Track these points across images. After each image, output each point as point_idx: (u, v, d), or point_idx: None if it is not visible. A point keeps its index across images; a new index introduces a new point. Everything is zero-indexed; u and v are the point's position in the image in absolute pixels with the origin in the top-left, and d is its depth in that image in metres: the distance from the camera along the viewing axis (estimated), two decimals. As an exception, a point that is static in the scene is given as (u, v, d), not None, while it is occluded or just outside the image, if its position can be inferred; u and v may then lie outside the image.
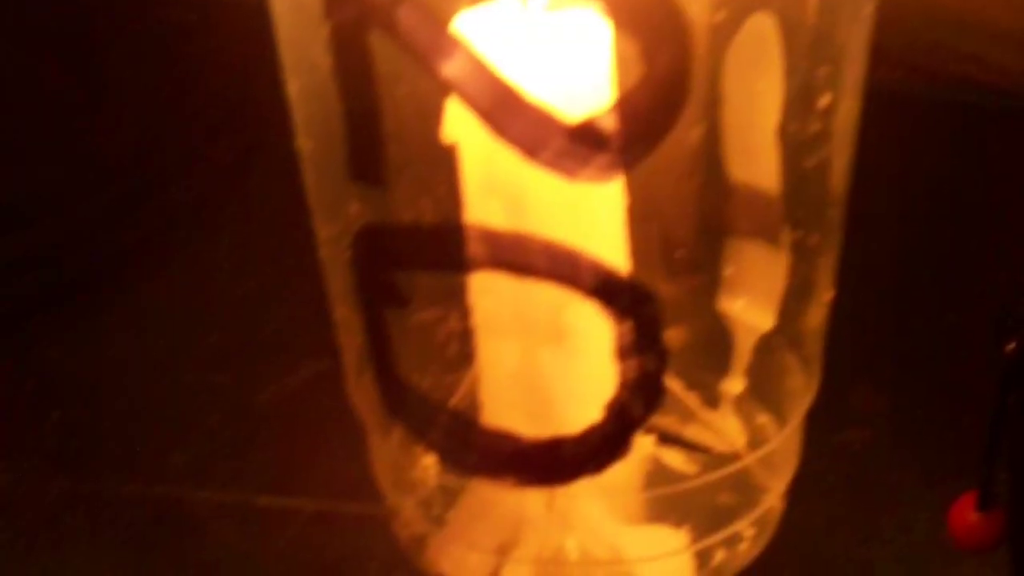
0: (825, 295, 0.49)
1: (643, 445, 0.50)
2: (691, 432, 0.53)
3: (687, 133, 0.46)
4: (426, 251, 0.43)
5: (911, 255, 0.77)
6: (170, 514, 0.66)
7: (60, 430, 0.72)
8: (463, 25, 0.40)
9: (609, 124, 0.38)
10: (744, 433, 0.52)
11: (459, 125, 0.41)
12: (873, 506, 0.62)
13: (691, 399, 0.53)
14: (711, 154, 0.47)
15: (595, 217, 0.42)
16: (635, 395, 0.42)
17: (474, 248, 0.41)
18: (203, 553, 0.64)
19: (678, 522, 0.49)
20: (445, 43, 0.38)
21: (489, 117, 0.38)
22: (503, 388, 0.46)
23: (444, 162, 0.43)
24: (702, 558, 0.50)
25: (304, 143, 0.46)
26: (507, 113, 0.38)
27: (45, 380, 0.75)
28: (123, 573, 0.64)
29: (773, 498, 0.51)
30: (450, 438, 0.46)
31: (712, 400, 0.53)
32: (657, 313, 0.41)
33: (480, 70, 0.38)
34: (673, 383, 0.52)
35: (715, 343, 0.51)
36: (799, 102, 0.45)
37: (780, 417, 0.51)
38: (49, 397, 0.74)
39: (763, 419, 0.52)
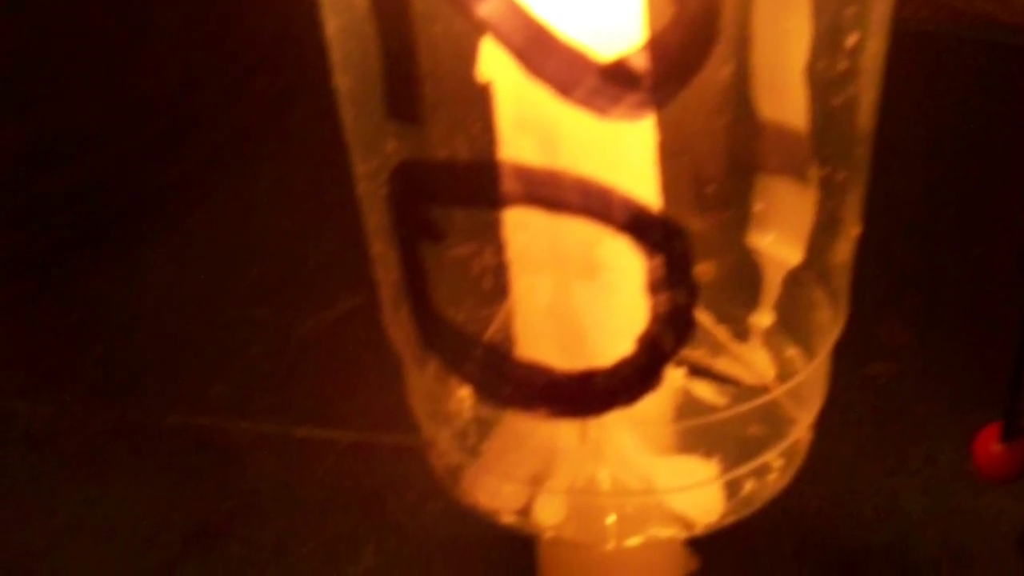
0: (852, 230, 0.49)
1: (674, 377, 0.50)
2: (721, 365, 0.53)
3: (717, 71, 0.46)
4: (461, 187, 0.44)
5: (937, 190, 0.77)
6: (211, 445, 0.67)
7: (102, 363, 0.73)
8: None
9: (641, 63, 0.39)
10: (773, 366, 0.52)
11: (494, 64, 0.42)
12: (899, 437, 0.63)
13: (721, 332, 0.53)
14: (741, 92, 0.47)
15: (627, 154, 0.42)
16: (666, 328, 0.43)
17: (508, 184, 0.41)
18: (243, 483, 0.65)
19: (708, 453, 0.50)
20: (480, -17, 0.38)
21: (523, 56, 0.38)
22: (537, 321, 0.47)
23: (479, 100, 0.43)
24: (732, 488, 0.50)
25: (342, 81, 0.46)
26: (541, 52, 0.38)
27: (87, 314, 0.76)
28: (165, 503, 0.65)
29: (801, 429, 0.51)
30: (485, 370, 0.46)
31: (741, 333, 0.53)
32: (688, 248, 0.41)
33: (514, 10, 0.38)
34: (703, 316, 0.52)
35: (744, 277, 0.51)
36: (827, 41, 0.45)
37: (808, 350, 0.52)
38: (92, 330, 0.75)
39: (791, 352, 0.52)
